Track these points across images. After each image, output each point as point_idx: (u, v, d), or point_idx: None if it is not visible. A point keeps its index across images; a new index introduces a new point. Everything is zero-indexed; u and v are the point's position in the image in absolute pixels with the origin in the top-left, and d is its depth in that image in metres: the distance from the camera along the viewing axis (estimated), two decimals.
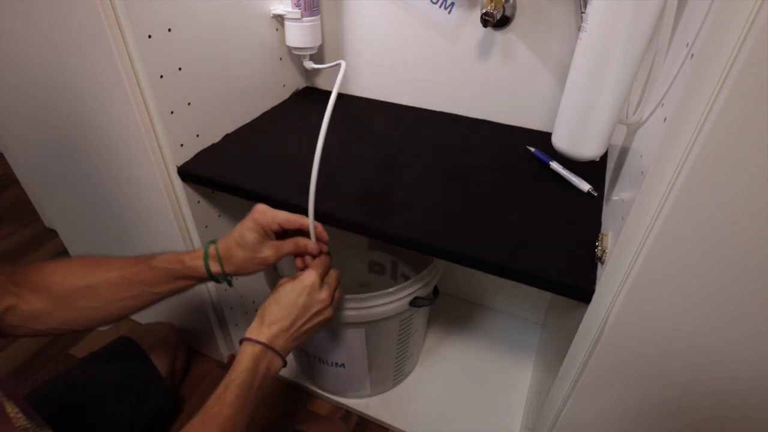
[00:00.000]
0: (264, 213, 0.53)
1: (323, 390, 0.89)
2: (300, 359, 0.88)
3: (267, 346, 0.51)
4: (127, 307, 0.53)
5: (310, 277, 0.54)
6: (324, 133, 0.48)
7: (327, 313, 0.55)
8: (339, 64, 0.53)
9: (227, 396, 0.47)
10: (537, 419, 0.62)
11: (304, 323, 0.53)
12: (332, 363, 0.79)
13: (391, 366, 0.83)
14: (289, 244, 0.54)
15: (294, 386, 0.91)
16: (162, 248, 0.76)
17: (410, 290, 0.69)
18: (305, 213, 0.58)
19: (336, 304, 0.57)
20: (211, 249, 0.53)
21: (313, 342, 0.78)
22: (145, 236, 0.76)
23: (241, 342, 0.52)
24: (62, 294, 0.50)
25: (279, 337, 0.52)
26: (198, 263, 0.52)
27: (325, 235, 0.56)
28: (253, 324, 0.53)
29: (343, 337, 0.74)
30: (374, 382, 0.85)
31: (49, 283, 0.49)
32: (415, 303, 0.70)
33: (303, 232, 0.55)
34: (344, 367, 0.79)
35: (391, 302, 0.67)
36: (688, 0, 0.43)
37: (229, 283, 0.55)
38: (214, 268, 0.52)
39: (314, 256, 0.56)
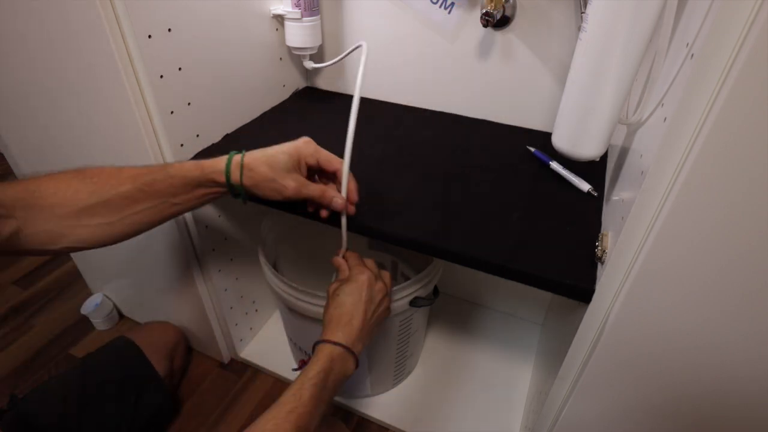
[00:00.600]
0: (308, 144, 0.52)
1: None
2: (298, 359, 0.88)
3: (347, 349, 0.51)
4: (143, 221, 0.50)
5: (362, 274, 0.55)
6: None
7: (387, 301, 0.57)
8: (360, 46, 0.50)
9: (303, 394, 0.46)
10: (537, 419, 0.62)
11: (372, 316, 0.55)
12: None
13: (391, 366, 0.83)
14: (316, 188, 0.52)
15: None
16: (160, 249, 0.76)
17: (410, 290, 0.69)
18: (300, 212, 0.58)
19: (390, 288, 0.60)
20: (237, 156, 0.51)
21: (313, 340, 0.78)
22: (145, 236, 0.76)
23: (316, 344, 0.52)
24: (70, 214, 0.45)
25: (358, 340, 0.52)
26: (219, 167, 0.50)
27: (355, 196, 0.54)
28: (326, 330, 0.53)
29: None
30: (374, 382, 0.85)
31: (52, 203, 0.45)
32: (414, 303, 0.70)
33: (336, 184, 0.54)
34: None
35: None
36: (688, 0, 0.43)
37: (244, 200, 0.52)
38: (234, 175, 0.50)
39: (336, 213, 0.54)
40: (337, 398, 0.88)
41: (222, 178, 0.50)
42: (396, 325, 0.74)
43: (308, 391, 0.47)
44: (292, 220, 0.86)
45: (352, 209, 0.55)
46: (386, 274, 0.59)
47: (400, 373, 0.87)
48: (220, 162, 0.50)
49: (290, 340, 0.87)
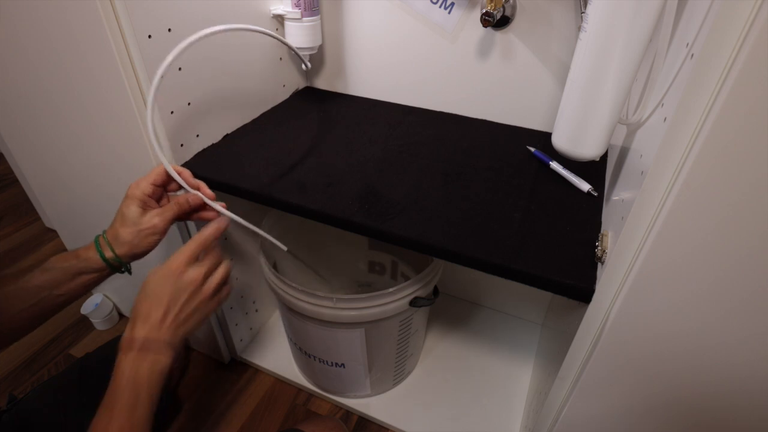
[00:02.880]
0: (135, 184, 0.54)
1: (323, 390, 0.89)
2: (299, 359, 0.88)
3: (142, 350, 0.46)
4: (32, 316, 0.53)
5: (174, 260, 0.50)
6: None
7: (204, 293, 0.50)
8: None
9: (115, 405, 0.43)
10: (537, 419, 0.62)
11: (180, 310, 0.48)
12: (332, 363, 0.79)
13: (391, 366, 0.83)
14: (171, 206, 0.54)
15: (294, 386, 0.91)
16: (160, 249, 0.76)
17: (410, 290, 0.69)
18: (301, 212, 0.58)
19: (219, 280, 0.52)
20: (101, 238, 0.54)
21: (313, 342, 0.78)
22: None
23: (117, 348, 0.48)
24: None
25: (153, 333, 0.47)
26: (92, 254, 0.53)
27: (192, 180, 0.56)
28: (127, 327, 0.48)
29: (342, 337, 0.74)
30: (374, 382, 0.85)
31: None
32: (415, 303, 0.70)
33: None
34: (344, 367, 0.80)
35: (390, 302, 0.67)
36: (688, 0, 0.43)
37: (128, 271, 0.56)
38: (107, 253, 0.53)
39: (206, 208, 0.57)
40: (337, 398, 0.88)
41: (99, 263, 0.53)
42: (396, 326, 0.74)
43: (120, 400, 0.44)
44: (292, 219, 0.86)
45: (208, 193, 0.57)
46: (212, 264, 0.52)
47: (400, 373, 0.87)
48: (91, 249, 0.54)
49: (290, 340, 0.87)
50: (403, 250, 0.92)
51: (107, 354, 0.77)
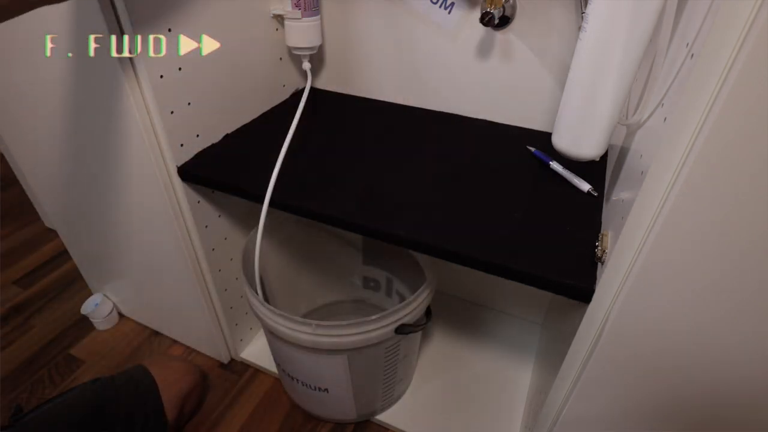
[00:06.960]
0: None
1: (307, 411, 0.86)
2: (283, 378, 0.85)
3: None
4: None
5: None
6: None
7: None
8: None
9: None
10: (537, 419, 0.62)
11: None
12: (315, 387, 0.76)
13: (378, 392, 0.80)
14: None
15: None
16: (160, 249, 0.76)
17: (395, 318, 0.65)
18: (301, 212, 0.58)
19: None
20: None
21: (295, 365, 0.74)
22: (146, 236, 0.76)
23: None
24: None
25: None
26: None
27: None
28: None
29: (324, 362, 0.70)
30: (360, 407, 0.81)
31: None
32: (401, 330, 0.66)
33: None
34: (327, 392, 0.76)
35: (374, 330, 0.64)
36: (688, 0, 0.43)
37: None
38: None
39: None
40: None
41: None
42: (381, 352, 0.71)
43: None
44: (286, 231, 0.86)
45: None
46: None
47: (389, 397, 0.84)
48: None
49: (274, 359, 0.84)
50: (398, 266, 0.90)
51: (128, 390, 0.73)
